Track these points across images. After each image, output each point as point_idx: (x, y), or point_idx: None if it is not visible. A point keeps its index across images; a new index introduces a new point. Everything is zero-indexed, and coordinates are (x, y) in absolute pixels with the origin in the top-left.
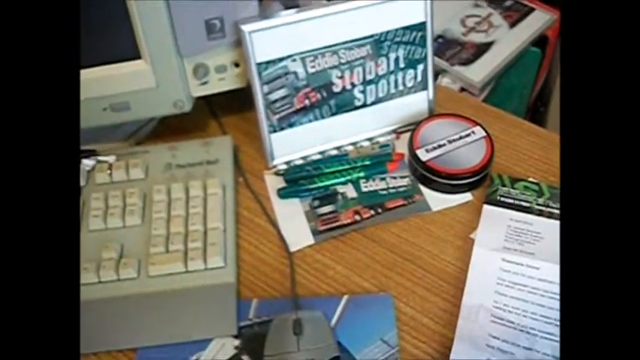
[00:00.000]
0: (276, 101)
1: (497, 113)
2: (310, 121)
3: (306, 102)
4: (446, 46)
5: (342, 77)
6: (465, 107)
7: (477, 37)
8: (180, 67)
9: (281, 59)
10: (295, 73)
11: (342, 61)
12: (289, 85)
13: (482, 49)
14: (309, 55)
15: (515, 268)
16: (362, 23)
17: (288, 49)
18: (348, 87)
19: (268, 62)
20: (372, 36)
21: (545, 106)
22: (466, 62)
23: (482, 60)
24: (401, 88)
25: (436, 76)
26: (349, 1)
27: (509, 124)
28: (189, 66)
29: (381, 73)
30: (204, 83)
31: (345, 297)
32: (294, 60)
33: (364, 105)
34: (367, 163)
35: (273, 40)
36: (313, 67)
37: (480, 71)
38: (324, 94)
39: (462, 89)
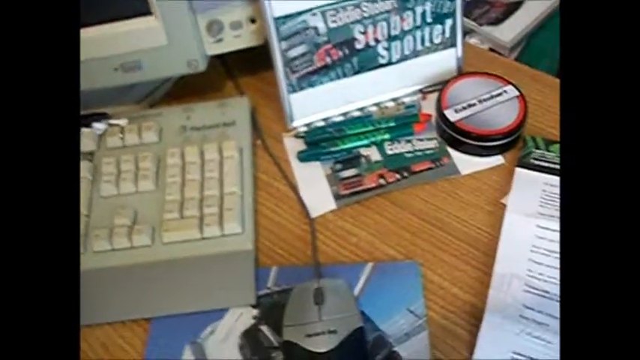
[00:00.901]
0: (295, 59)
1: (531, 72)
2: (331, 80)
3: (327, 59)
4: (474, 4)
5: (365, 33)
6: (496, 66)
7: None
8: (193, 24)
9: (300, 13)
10: (315, 28)
11: (366, 15)
12: (309, 41)
13: (512, 8)
14: (330, 8)
15: (551, 235)
16: None
17: (308, 2)
18: (372, 43)
19: (286, 17)
20: None
21: None
22: (495, 22)
23: (512, 19)
24: (428, 44)
25: (463, 36)
26: None
27: (544, 84)
28: (202, 22)
29: (406, 28)
30: (219, 41)
31: (370, 264)
32: (314, 14)
33: (389, 63)
34: (392, 124)
35: None
36: (334, 21)
37: (509, 31)
38: (346, 51)
39: (491, 50)
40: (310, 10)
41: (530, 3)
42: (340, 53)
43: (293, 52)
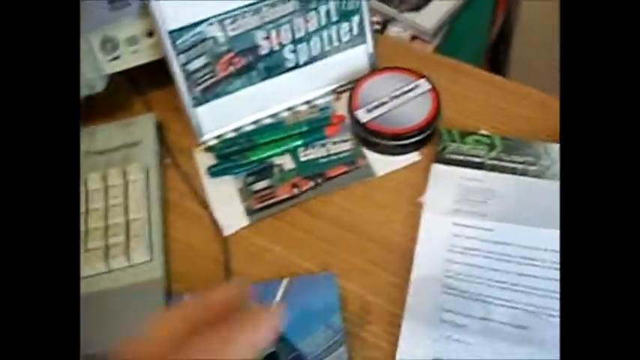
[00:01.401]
0: (196, 71)
1: (447, 62)
2: (238, 89)
3: (231, 68)
4: None
5: (268, 38)
6: (413, 59)
7: None
8: (85, 43)
9: (196, 24)
10: (214, 38)
11: (267, 19)
12: (209, 52)
13: None
14: (228, 16)
15: (467, 231)
16: None
17: (203, 11)
18: (277, 48)
19: (182, 29)
20: None
21: (506, 47)
22: (416, 7)
23: (433, 4)
24: (336, 43)
25: (384, 24)
26: None
27: (460, 73)
28: (95, 40)
29: (311, 29)
30: (116, 58)
31: (285, 281)
32: (211, 24)
33: (297, 66)
34: (305, 129)
35: (184, 3)
36: (234, 29)
37: (431, 16)
38: (251, 58)
39: (414, 37)
40: (207, 20)
41: None
42: (244, 61)
43: (193, 65)
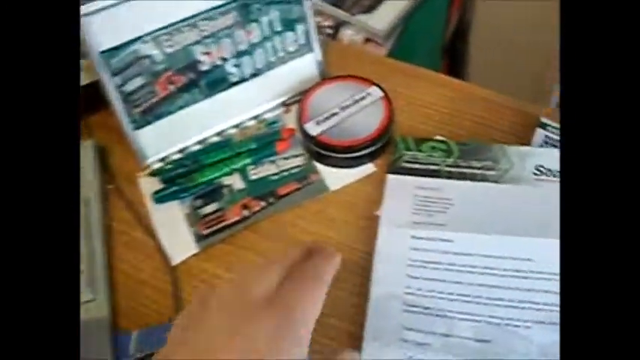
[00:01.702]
0: (133, 92)
1: (401, 67)
2: (181, 108)
3: (171, 87)
4: None
5: (208, 53)
6: (365, 64)
7: None
8: None
9: (129, 43)
10: (150, 56)
11: (205, 34)
12: (146, 71)
13: None
14: (163, 33)
15: (426, 244)
16: None
17: (136, 29)
18: (219, 62)
19: (114, 49)
20: (235, 0)
21: (464, 45)
22: (368, 9)
23: (385, 5)
24: (282, 54)
25: (337, 28)
26: None
27: (414, 77)
28: None
29: (254, 41)
30: None
31: None
32: (146, 41)
33: (242, 80)
34: (253, 146)
35: (115, 21)
36: (170, 46)
37: (383, 17)
38: (191, 75)
39: (367, 39)
40: (140, 38)
41: None
42: (184, 79)
43: (130, 86)
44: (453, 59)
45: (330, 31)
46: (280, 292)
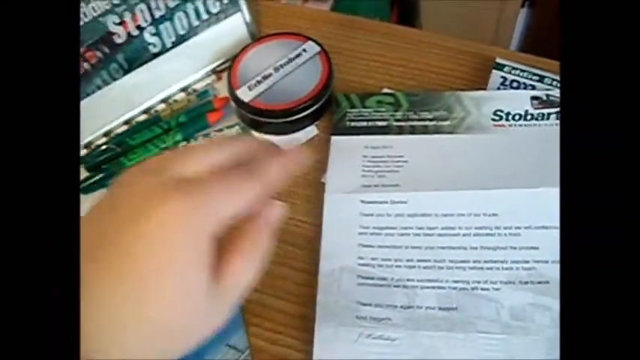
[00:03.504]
0: None
1: (339, 19)
2: (99, 87)
3: (86, 65)
4: None
5: (122, 22)
6: (302, 21)
7: None
8: None
9: None
10: None
11: (116, 1)
12: None
13: None
14: None
15: (378, 208)
16: None
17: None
18: (135, 32)
19: None
20: None
21: None
22: None
23: None
24: (205, 16)
25: None
26: None
27: (354, 28)
28: None
29: (172, 4)
30: None
31: None
32: None
33: (164, 49)
34: (183, 120)
35: None
36: (80, 18)
37: None
38: (106, 49)
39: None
40: None
41: None
42: (99, 54)
43: None
44: (403, 9)
45: None
46: (203, 178)
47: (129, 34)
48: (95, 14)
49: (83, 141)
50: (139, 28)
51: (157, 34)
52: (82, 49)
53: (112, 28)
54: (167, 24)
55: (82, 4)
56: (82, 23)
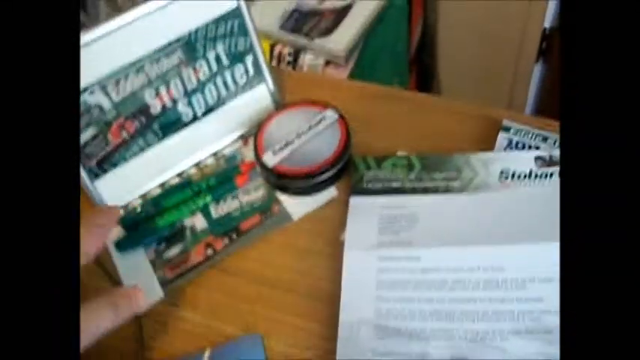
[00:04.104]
0: (86, 144)
1: (357, 87)
2: (136, 154)
3: (124, 134)
4: (303, 19)
5: (157, 95)
6: (323, 89)
7: (334, 2)
8: None
9: None
10: (99, 106)
11: (152, 77)
12: (96, 121)
13: (342, 14)
14: (109, 80)
15: (393, 264)
16: (162, 28)
17: (82, 80)
18: (169, 104)
19: None
20: (178, 39)
21: (432, 57)
22: (326, 32)
23: (343, 26)
24: (233, 88)
25: (296, 54)
26: (137, 8)
27: (371, 96)
28: None
29: (203, 78)
30: None
31: (207, 352)
32: (92, 92)
33: (195, 118)
34: (213, 183)
35: None
36: (118, 93)
37: (342, 38)
38: (143, 120)
39: (328, 62)
40: (86, 89)
41: (358, 4)
42: (137, 124)
43: (82, 138)
44: (421, 73)
45: (289, 58)
46: None
47: (164, 106)
48: (134, 88)
49: (121, 203)
50: (173, 100)
51: (189, 104)
52: (121, 120)
53: (149, 100)
54: (198, 95)
55: (122, 80)
56: (122, 97)
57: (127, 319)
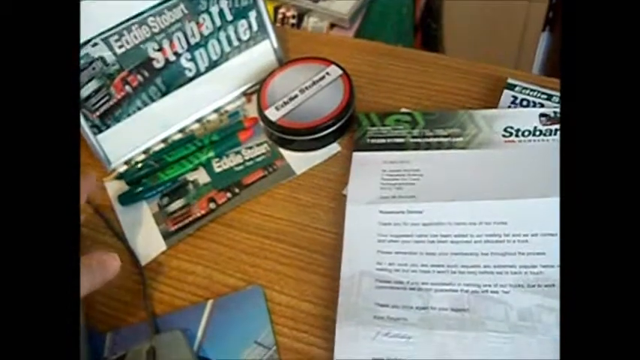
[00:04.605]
0: (89, 97)
1: (361, 44)
2: (139, 108)
3: (127, 88)
4: None
5: (160, 49)
6: (327, 47)
7: None
8: None
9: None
10: (102, 58)
11: (155, 30)
12: (99, 74)
13: None
14: (112, 33)
15: (395, 218)
16: None
17: (84, 33)
18: (172, 58)
19: None
20: None
21: (437, 22)
22: None
23: None
24: (237, 43)
25: (301, 17)
26: None
27: (376, 53)
28: None
29: (206, 32)
30: None
31: (210, 302)
32: (95, 44)
33: (198, 73)
34: (215, 138)
35: None
36: (121, 46)
37: (346, 1)
38: (146, 73)
39: (332, 25)
40: (89, 41)
41: None
42: (140, 78)
43: (85, 91)
44: (426, 37)
45: (293, 20)
46: None
47: (167, 60)
48: (137, 42)
49: (124, 158)
50: (176, 54)
51: (193, 59)
52: (124, 73)
53: (152, 54)
54: (201, 50)
55: (125, 33)
56: (124, 50)
57: (98, 285)
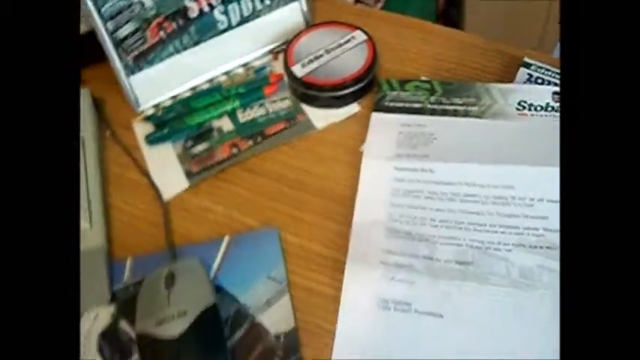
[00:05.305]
0: (125, 38)
1: (387, 16)
2: (171, 54)
3: (161, 34)
4: None
5: (196, 0)
6: (353, 15)
7: None
8: None
9: None
10: (141, 2)
11: None
12: (137, 17)
13: None
14: None
15: (409, 175)
16: None
17: None
18: (206, 9)
19: None
20: None
21: (458, 8)
22: None
23: None
24: (268, 2)
25: None
26: None
27: (400, 25)
28: None
29: None
30: None
31: (226, 238)
32: None
33: (229, 27)
34: (242, 90)
35: None
36: None
37: None
38: (180, 21)
39: (357, 1)
40: None
41: None
42: (174, 25)
43: (122, 32)
44: (448, 16)
45: None
46: None
47: (201, 10)
48: None
49: (153, 102)
50: (211, 5)
51: (225, 13)
52: (160, 19)
53: (188, 3)
54: (234, 5)
55: None
56: None
57: None
